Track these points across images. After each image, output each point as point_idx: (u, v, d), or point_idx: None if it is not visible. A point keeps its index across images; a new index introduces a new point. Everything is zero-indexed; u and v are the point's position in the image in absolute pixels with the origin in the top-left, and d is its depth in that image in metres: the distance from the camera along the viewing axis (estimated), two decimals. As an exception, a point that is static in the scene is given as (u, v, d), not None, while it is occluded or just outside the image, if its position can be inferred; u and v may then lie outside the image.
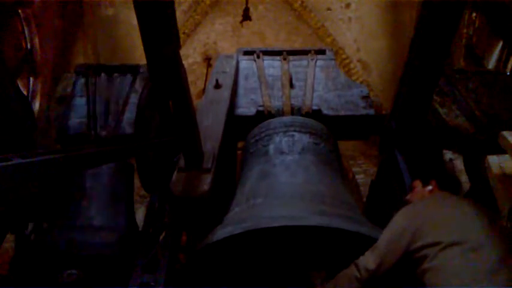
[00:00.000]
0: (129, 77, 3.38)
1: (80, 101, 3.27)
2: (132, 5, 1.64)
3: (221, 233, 2.07)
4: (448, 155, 4.77)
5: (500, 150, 2.27)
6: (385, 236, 1.81)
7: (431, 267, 1.58)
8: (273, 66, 3.72)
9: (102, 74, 3.38)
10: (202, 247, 2.11)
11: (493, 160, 2.26)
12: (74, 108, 3.24)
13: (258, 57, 3.79)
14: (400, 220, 1.83)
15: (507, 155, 2.21)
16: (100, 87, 3.29)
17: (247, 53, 3.88)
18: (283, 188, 2.42)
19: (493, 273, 1.48)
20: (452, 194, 1.99)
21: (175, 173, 2.35)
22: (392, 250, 1.73)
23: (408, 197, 2.13)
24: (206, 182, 2.27)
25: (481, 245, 1.57)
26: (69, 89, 3.35)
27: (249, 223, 2.05)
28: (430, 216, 1.76)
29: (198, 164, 2.35)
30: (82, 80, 3.37)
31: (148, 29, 1.69)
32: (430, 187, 2.04)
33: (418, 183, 2.12)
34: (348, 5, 7.19)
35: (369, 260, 1.76)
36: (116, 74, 3.40)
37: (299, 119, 3.08)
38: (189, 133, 2.21)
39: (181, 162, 2.39)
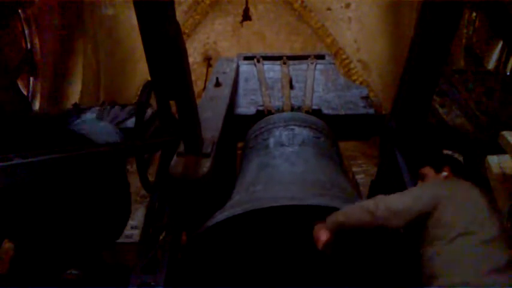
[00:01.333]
0: None
1: None
2: (132, 5, 1.64)
3: (221, 216, 2.03)
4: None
5: (500, 150, 2.27)
6: (412, 192, 1.78)
7: (444, 250, 1.55)
8: (273, 70, 3.76)
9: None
10: (202, 231, 2.06)
11: (493, 160, 2.27)
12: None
13: (258, 61, 3.83)
14: (429, 186, 1.82)
15: (507, 155, 2.22)
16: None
17: (247, 58, 3.94)
18: (283, 177, 2.38)
19: (507, 268, 1.46)
20: (467, 181, 1.95)
21: (174, 157, 2.33)
22: (414, 204, 1.67)
23: (418, 185, 2.04)
24: (205, 165, 2.26)
25: (495, 238, 1.55)
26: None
27: (250, 205, 2.02)
28: (453, 195, 1.70)
29: (198, 150, 2.34)
30: None
31: (148, 28, 1.70)
32: (444, 173, 1.93)
33: (429, 170, 2.01)
34: (348, 5, 7.19)
35: (392, 201, 1.71)
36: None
37: (299, 114, 3.06)
38: (189, 118, 2.19)
39: (181, 148, 2.36)
